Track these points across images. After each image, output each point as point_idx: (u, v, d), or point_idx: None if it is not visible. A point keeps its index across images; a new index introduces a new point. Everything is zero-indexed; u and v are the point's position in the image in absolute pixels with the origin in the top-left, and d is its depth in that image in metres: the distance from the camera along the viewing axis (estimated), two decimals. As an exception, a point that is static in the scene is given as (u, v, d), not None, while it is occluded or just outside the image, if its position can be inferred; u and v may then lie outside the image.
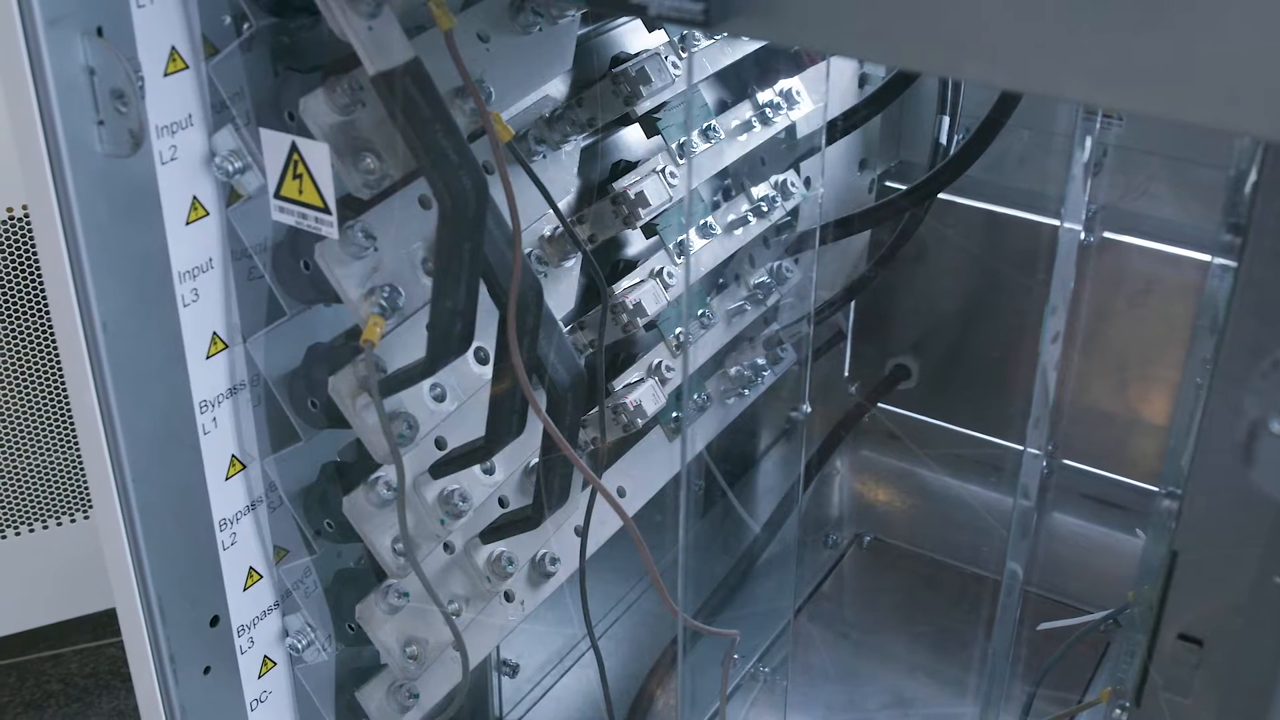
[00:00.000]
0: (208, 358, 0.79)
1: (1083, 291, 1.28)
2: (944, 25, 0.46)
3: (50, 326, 1.43)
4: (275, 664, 0.91)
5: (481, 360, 0.87)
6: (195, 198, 0.75)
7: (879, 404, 1.51)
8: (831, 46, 0.52)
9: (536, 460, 0.89)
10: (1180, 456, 0.75)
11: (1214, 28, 0.41)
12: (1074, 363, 1.34)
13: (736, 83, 1.12)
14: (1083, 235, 1.26)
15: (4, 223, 1.41)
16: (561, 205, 0.92)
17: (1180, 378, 1.32)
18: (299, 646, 0.91)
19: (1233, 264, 0.69)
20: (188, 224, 0.75)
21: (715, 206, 1.11)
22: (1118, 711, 0.83)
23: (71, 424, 1.52)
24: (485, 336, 0.81)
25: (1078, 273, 1.18)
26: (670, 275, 1.02)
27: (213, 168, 0.74)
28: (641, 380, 1.03)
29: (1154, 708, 0.77)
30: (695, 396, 1.16)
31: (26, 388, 1.49)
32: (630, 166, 1.01)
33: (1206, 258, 1.27)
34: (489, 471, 0.90)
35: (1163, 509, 0.75)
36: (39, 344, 1.47)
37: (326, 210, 0.72)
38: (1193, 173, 1.25)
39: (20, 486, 1.53)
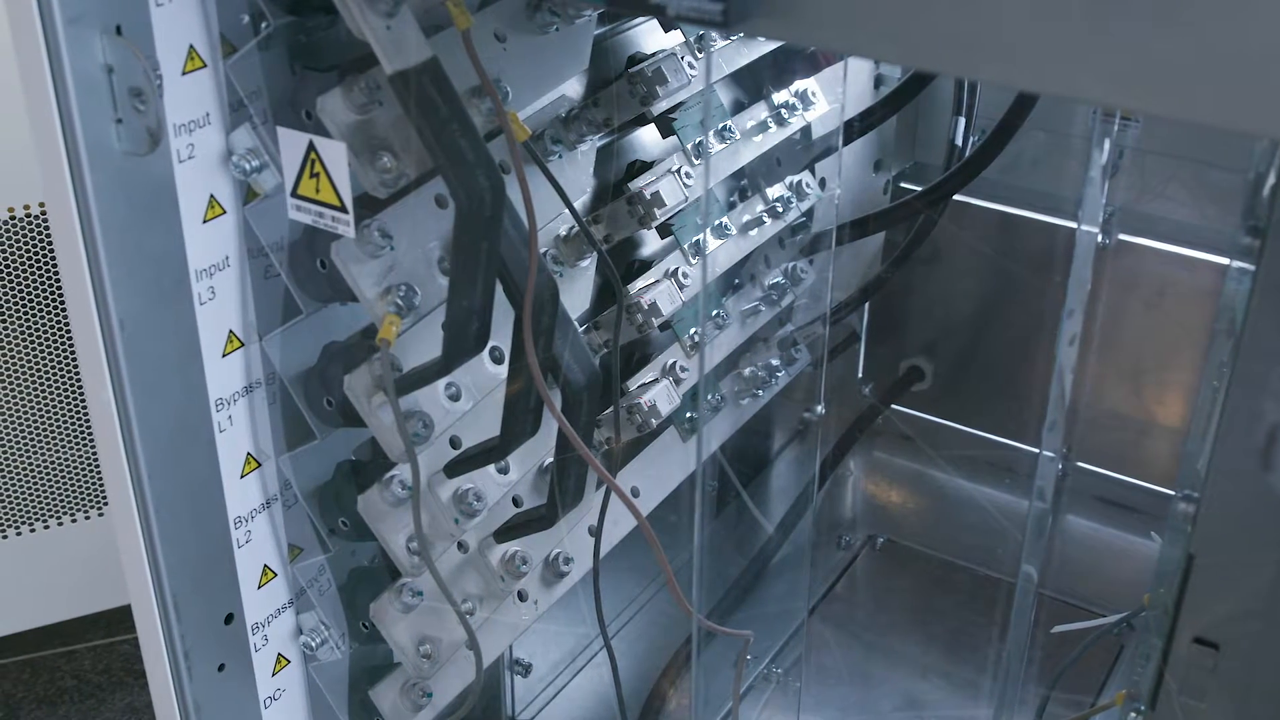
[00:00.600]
0: (224, 355, 0.79)
1: (1099, 294, 1.28)
2: (962, 26, 0.46)
3: (66, 323, 1.44)
4: (289, 662, 0.91)
5: (497, 360, 0.87)
6: (212, 196, 0.75)
7: (893, 405, 1.51)
8: (850, 47, 0.52)
9: (551, 460, 0.89)
10: (1197, 460, 0.75)
11: (1234, 29, 0.41)
12: (1089, 365, 1.34)
13: (752, 83, 1.12)
14: (1099, 238, 1.26)
15: (20, 220, 1.41)
16: (577, 205, 0.92)
17: (1196, 381, 1.32)
18: (313, 644, 0.91)
19: (1251, 267, 0.69)
20: (205, 222, 0.75)
21: (730, 207, 1.11)
22: (1133, 715, 0.83)
23: (87, 421, 1.52)
24: (501, 336, 0.81)
25: (1094, 275, 1.18)
26: (685, 275, 1.02)
27: (230, 166, 0.75)
28: (656, 380, 1.03)
29: (1169, 711, 0.77)
30: (709, 397, 1.16)
31: (42, 384, 1.49)
32: (646, 167, 1.01)
33: (1223, 260, 1.26)
34: (503, 471, 0.90)
35: (1179, 512, 0.75)
36: (55, 341, 1.48)
37: (343, 209, 0.72)
38: (1209, 175, 1.25)
39: (36, 483, 1.54)
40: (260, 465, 0.84)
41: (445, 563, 0.90)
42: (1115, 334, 1.34)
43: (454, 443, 0.86)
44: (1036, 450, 1.20)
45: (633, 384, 1.03)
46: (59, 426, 1.52)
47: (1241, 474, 0.67)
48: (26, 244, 1.42)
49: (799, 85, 1.13)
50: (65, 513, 1.57)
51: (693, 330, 1.07)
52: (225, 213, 0.76)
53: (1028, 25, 0.45)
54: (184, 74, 0.71)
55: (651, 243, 1.07)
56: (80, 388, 1.50)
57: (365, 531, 0.85)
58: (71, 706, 1.69)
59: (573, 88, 0.92)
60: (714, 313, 1.12)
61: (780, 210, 1.13)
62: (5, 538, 1.55)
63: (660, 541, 0.85)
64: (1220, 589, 0.72)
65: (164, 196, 0.72)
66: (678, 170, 0.99)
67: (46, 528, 1.57)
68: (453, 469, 0.85)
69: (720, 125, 1.05)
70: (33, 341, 1.47)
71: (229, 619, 0.85)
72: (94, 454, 1.54)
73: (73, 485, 1.56)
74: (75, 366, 1.49)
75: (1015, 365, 1.44)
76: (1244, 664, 0.73)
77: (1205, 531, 0.71)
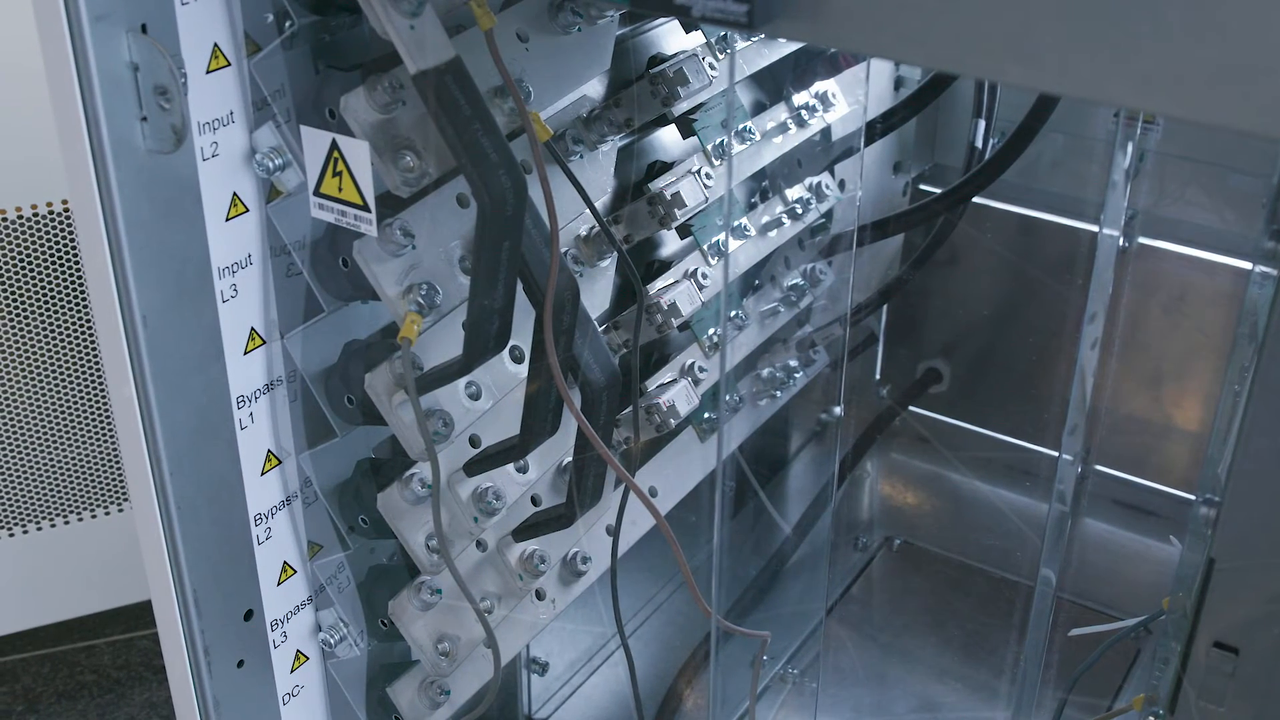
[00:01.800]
0: (245, 353, 0.79)
1: (1119, 298, 1.28)
2: (986, 28, 0.46)
3: (88, 320, 1.45)
4: (308, 658, 0.91)
5: (517, 359, 0.87)
6: (236, 194, 0.75)
7: (910, 407, 1.51)
8: (874, 49, 0.52)
9: (570, 459, 0.90)
10: (1218, 464, 0.74)
11: (1261, 33, 0.41)
12: (1109, 368, 1.34)
13: (772, 85, 1.12)
14: (1120, 241, 1.26)
15: (43, 217, 1.42)
16: (598, 205, 0.92)
17: (1216, 385, 1.31)
18: (332, 641, 0.91)
19: (1274, 271, 0.68)
20: (228, 220, 0.75)
21: (750, 208, 1.11)
22: (1151, 719, 0.83)
23: (108, 416, 1.53)
24: (521, 335, 0.81)
25: (1114, 279, 1.18)
26: (705, 276, 1.02)
27: (253, 164, 0.75)
28: (675, 381, 1.03)
29: (1187, 716, 0.76)
30: (728, 397, 1.16)
31: (63, 380, 1.50)
32: (666, 167, 1.01)
33: (1244, 265, 1.26)
34: (523, 470, 0.90)
35: (1200, 516, 0.75)
36: (77, 337, 1.48)
37: (365, 208, 0.72)
38: (1230, 179, 1.24)
39: (57, 478, 1.55)
40: (281, 462, 0.84)
41: (464, 561, 0.90)
42: (1135, 337, 1.33)
43: (474, 441, 0.86)
44: (1054, 453, 1.19)
45: (651, 384, 1.03)
46: (80, 422, 1.53)
47: (1263, 478, 0.67)
48: (50, 241, 1.43)
49: (819, 87, 1.13)
50: (86, 508, 1.58)
51: (712, 331, 1.07)
52: (248, 211, 0.76)
53: (1053, 27, 0.45)
54: (208, 72, 0.71)
55: (671, 243, 1.07)
56: (102, 383, 1.51)
57: (384, 529, 0.85)
58: (90, 701, 1.70)
59: (594, 88, 0.92)
60: (733, 313, 1.12)
61: (800, 211, 1.13)
62: (26, 532, 1.56)
63: (678, 541, 0.85)
64: (1240, 593, 0.71)
65: (187, 194, 0.72)
66: (698, 171, 0.99)
67: (67, 523, 1.58)
68: (472, 468, 0.85)
69: (741, 126, 1.05)
70: (55, 337, 1.47)
71: (248, 615, 0.85)
72: (115, 449, 1.55)
73: (94, 481, 1.57)
74: (97, 362, 1.50)
75: (1033, 368, 1.43)
76: (1263, 669, 0.73)
77: (1226, 536, 0.71)
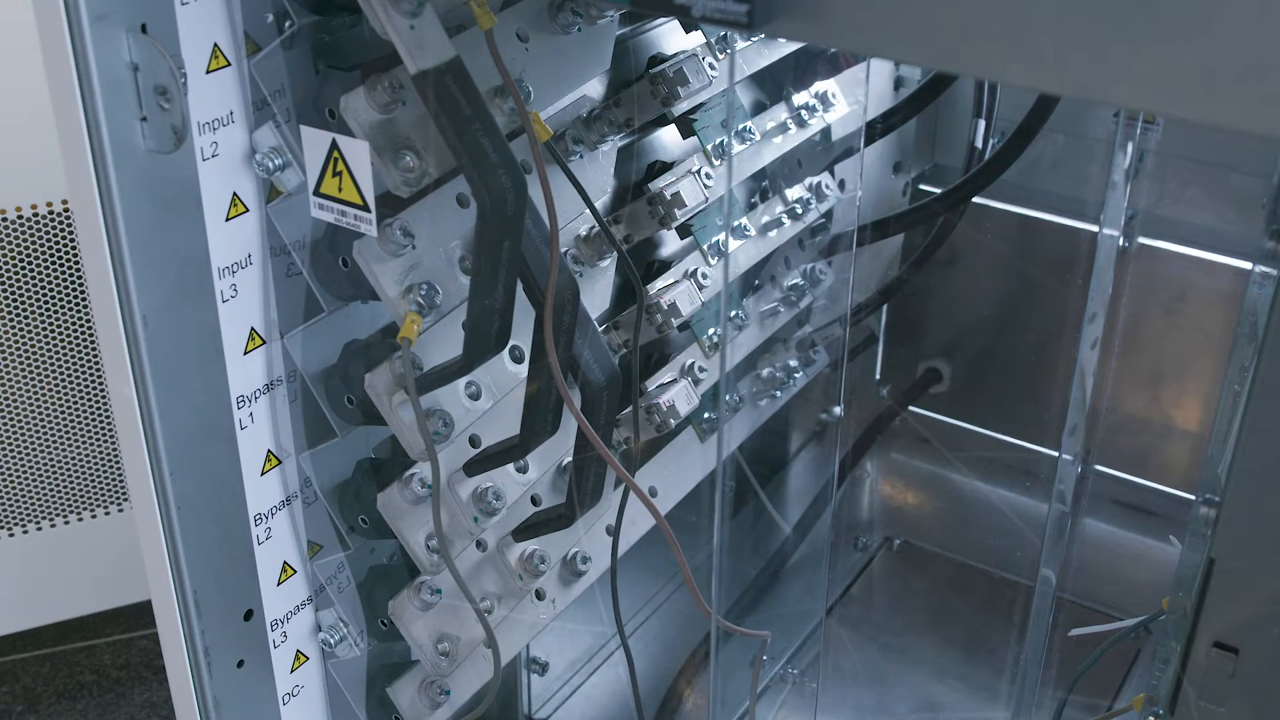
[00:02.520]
0: (245, 353, 0.79)
1: (1119, 298, 1.28)
2: (987, 28, 0.46)
3: (88, 320, 1.45)
4: (308, 658, 0.91)
5: (517, 359, 0.87)
6: (235, 194, 0.75)
7: (910, 407, 1.51)
8: (875, 49, 0.52)
9: (570, 459, 0.90)
10: (1218, 464, 0.74)
11: (1261, 33, 0.41)
12: (1109, 368, 1.33)
13: (772, 84, 1.12)
14: (1120, 241, 1.26)
15: (43, 217, 1.42)
16: (598, 205, 0.92)
17: (1216, 385, 1.31)
18: (332, 641, 0.91)
19: (1274, 271, 0.68)
20: (228, 220, 0.75)
21: (750, 208, 1.11)
22: (1151, 719, 0.83)
23: (109, 416, 1.53)
24: (521, 335, 0.81)
25: (1114, 279, 1.18)
26: (705, 276, 1.02)
27: (253, 164, 0.75)
28: (675, 381, 1.03)
29: (1187, 716, 0.76)
30: (727, 397, 1.16)
31: (64, 380, 1.50)
32: (666, 167, 1.01)
33: (1244, 265, 1.26)
34: (523, 470, 0.90)
35: (1200, 516, 0.75)
36: (77, 337, 1.48)
37: (365, 208, 0.72)
38: (1230, 179, 1.24)
39: (57, 478, 1.55)
40: (281, 462, 0.84)
41: (464, 561, 0.90)
42: (1135, 337, 1.33)
43: (474, 441, 0.86)
44: (1054, 453, 1.19)
45: (651, 384, 1.03)
46: (81, 422, 1.53)
47: (1263, 478, 0.67)
48: (50, 241, 1.43)
49: (819, 87, 1.13)
50: (86, 508, 1.58)
51: (712, 331, 1.07)
52: (248, 211, 0.76)
53: (1053, 27, 0.45)
54: (208, 72, 0.71)
55: (671, 243, 1.07)
56: (102, 383, 1.51)
57: (384, 529, 0.85)
58: (90, 701, 1.70)
59: (594, 88, 0.92)
60: (733, 313, 1.12)
61: (800, 211, 1.13)
62: (26, 532, 1.56)
63: (678, 541, 0.85)
64: (1240, 594, 0.71)
65: (188, 194, 0.72)
66: (698, 171, 0.99)
67: (67, 523, 1.58)
68: (472, 468, 0.85)
69: (740, 126, 1.05)
70: (55, 337, 1.47)
71: (248, 615, 0.85)
72: (115, 449, 1.55)
73: (94, 481, 1.57)
74: (97, 362, 1.50)
75: (1033, 368, 1.43)
76: (1263, 669, 0.73)
77: (1226, 536, 0.71)
